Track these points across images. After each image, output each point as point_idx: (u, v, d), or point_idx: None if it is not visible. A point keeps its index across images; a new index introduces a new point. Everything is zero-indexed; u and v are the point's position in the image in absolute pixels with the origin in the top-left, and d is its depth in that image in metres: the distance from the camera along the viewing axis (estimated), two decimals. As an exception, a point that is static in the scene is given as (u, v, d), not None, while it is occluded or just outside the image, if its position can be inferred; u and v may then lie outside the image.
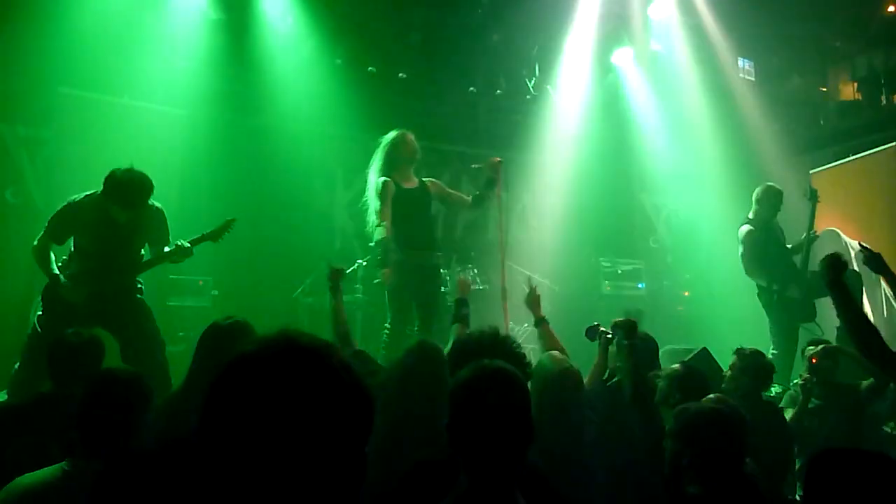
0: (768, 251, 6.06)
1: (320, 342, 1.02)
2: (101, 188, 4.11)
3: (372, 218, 5.00)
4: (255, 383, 0.96)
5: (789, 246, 6.26)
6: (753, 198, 6.19)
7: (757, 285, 6.16)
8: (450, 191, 5.39)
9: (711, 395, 3.02)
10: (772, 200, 6.15)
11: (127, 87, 6.19)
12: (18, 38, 5.74)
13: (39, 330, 4.09)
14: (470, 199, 5.32)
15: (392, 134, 5.13)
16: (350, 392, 0.99)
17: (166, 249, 4.35)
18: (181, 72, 6.43)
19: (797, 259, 6.18)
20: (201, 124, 6.55)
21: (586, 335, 3.88)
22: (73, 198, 4.21)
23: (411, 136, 5.17)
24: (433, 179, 5.35)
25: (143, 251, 4.45)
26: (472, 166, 5.16)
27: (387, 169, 5.05)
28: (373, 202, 5.01)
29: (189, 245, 4.33)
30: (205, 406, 0.98)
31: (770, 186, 6.21)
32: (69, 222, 4.18)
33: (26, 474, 2.00)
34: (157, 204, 4.38)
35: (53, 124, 6.05)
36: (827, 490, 1.76)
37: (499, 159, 5.15)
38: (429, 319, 5.05)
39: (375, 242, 4.95)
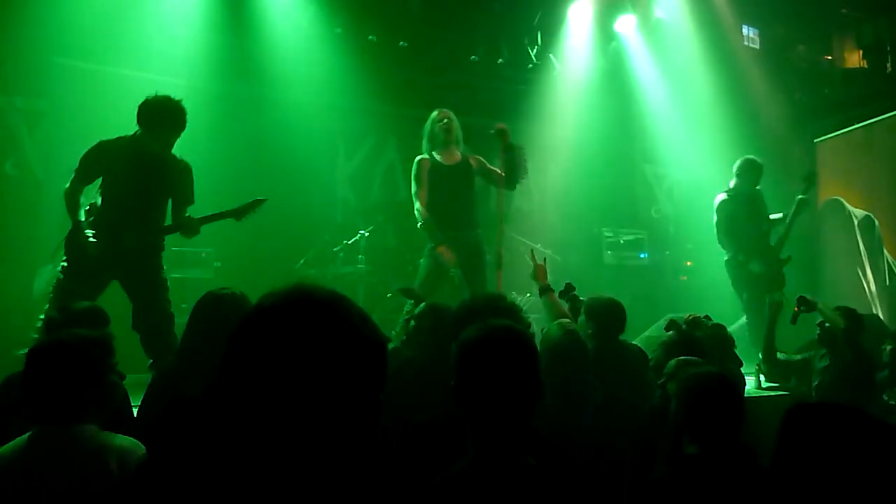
0: (739, 223, 6.16)
1: (336, 294, 1.04)
2: (136, 120, 4.11)
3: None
4: (273, 335, 0.98)
5: (779, 215, 6.31)
6: (733, 170, 6.30)
7: (726, 262, 6.28)
8: (490, 168, 5.21)
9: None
10: (750, 174, 6.24)
11: (125, 57, 6.12)
12: (15, 9, 5.67)
13: (62, 278, 4.08)
14: (504, 179, 5.12)
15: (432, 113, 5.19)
16: (367, 342, 1.01)
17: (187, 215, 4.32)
18: (180, 41, 6.36)
19: (777, 232, 6.28)
20: (200, 94, 6.45)
21: (560, 294, 3.96)
22: (104, 139, 4.18)
23: (445, 113, 5.17)
24: (477, 156, 5.25)
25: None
26: (491, 131, 5.05)
27: (426, 147, 5.14)
28: (412, 184, 5.09)
29: (196, 222, 4.29)
30: (224, 359, 1.00)
31: (749, 160, 6.33)
32: (99, 160, 4.13)
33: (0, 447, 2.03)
34: (185, 160, 4.35)
35: (52, 95, 6.00)
36: (797, 442, 1.77)
37: (502, 126, 5.05)
38: (476, 293, 4.91)
39: (420, 226, 5.01)
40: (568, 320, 3.14)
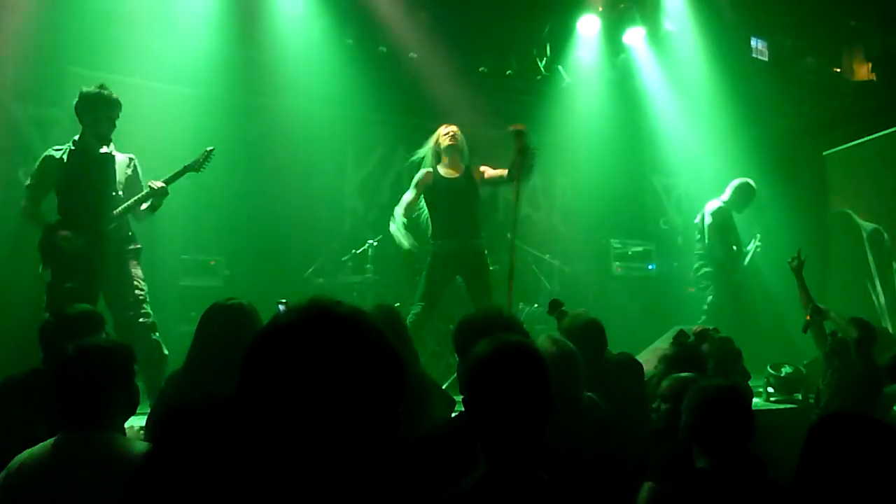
0: (729, 233, 6.55)
1: (354, 310, 1.04)
2: (77, 116, 4.44)
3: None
4: (291, 350, 0.98)
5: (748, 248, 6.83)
6: (733, 188, 6.48)
7: (706, 266, 6.44)
8: (492, 173, 5.37)
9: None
10: (746, 197, 6.60)
11: (137, 67, 6.18)
12: (30, 18, 5.74)
13: (51, 281, 4.29)
14: (506, 174, 5.27)
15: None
16: (385, 357, 1.01)
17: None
18: (192, 51, 6.42)
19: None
20: (212, 104, 6.54)
21: (548, 311, 3.98)
22: (46, 153, 4.53)
23: (450, 128, 5.34)
24: (480, 166, 5.41)
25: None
26: (509, 129, 5.16)
27: (431, 161, 5.32)
28: (410, 188, 5.33)
29: (163, 184, 4.47)
30: (242, 372, 1.00)
31: (751, 185, 6.56)
32: (45, 174, 4.44)
33: (25, 451, 2.04)
34: (128, 154, 4.61)
35: (65, 104, 6.05)
36: (825, 454, 1.77)
37: (521, 126, 5.13)
38: (480, 301, 5.08)
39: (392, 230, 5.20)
40: (556, 335, 3.15)
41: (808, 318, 4.67)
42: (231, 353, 2.66)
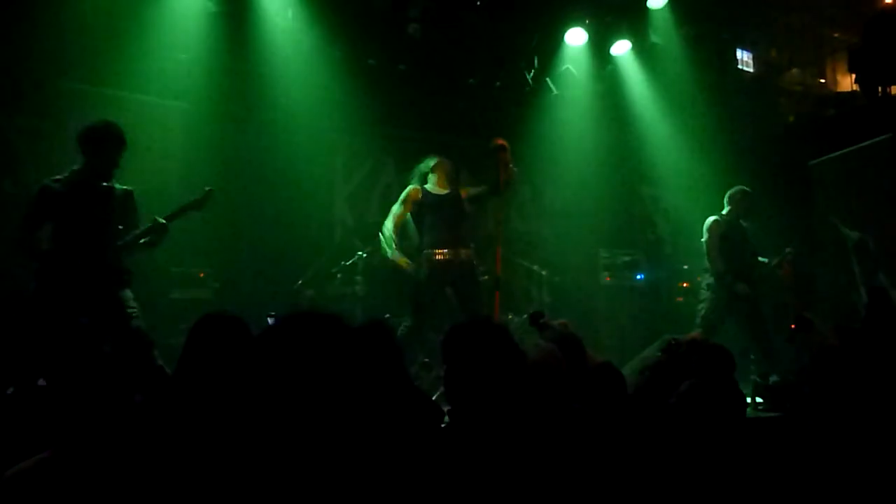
0: (730, 245, 6.32)
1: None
2: (80, 148, 4.25)
3: None
4: (280, 332, 1.20)
5: (765, 260, 6.55)
6: (726, 198, 6.51)
7: (712, 277, 6.33)
8: (475, 191, 5.54)
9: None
10: (743, 202, 6.47)
11: (126, 80, 6.19)
12: (18, 30, 5.74)
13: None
14: (487, 189, 5.44)
15: None
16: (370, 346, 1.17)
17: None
18: (180, 64, 6.43)
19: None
20: (200, 117, 6.55)
21: (530, 322, 4.02)
22: (44, 181, 4.28)
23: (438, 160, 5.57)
24: (466, 186, 5.58)
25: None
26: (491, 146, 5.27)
27: (417, 181, 5.53)
28: (396, 203, 5.47)
29: (164, 221, 4.34)
30: (255, 352, 1.22)
31: (741, 189, 6.51)
32: (43, 205, 4.20)
33: (19, 464, 2.01)
34: (126, 186, 4.44)
35: (53, 117, 6.05)
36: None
37: (501, 141, 5.23)
38: (470, 312, 5.17)
39: (381, 236, 5.36)
40: (542, 342, 3.19)
41: (793, 326, 4.69)
42: (221, 365, 2.68)
